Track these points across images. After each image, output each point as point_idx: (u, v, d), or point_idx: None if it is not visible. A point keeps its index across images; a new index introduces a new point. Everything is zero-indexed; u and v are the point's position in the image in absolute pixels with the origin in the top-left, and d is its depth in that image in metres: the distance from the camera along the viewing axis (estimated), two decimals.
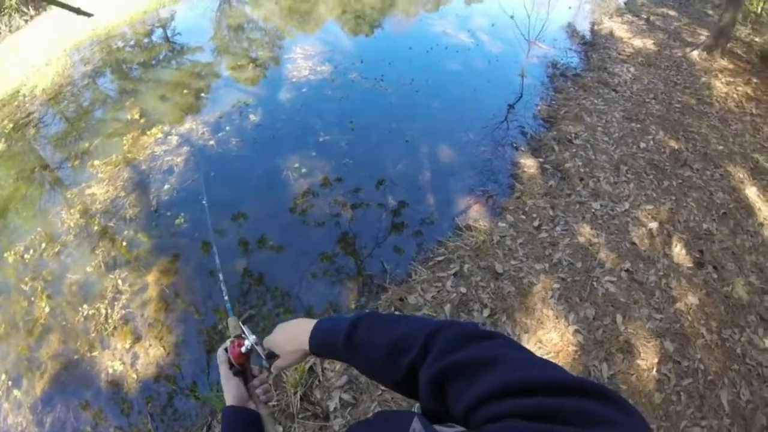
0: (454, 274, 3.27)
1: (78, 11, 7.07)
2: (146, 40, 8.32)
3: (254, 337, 0.97)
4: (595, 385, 0.47)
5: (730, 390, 2.81)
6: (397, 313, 3.00)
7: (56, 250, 4.05)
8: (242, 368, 0.97)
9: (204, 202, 3.83)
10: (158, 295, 3.50)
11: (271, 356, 0.92)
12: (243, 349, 0.96)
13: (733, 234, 3.80)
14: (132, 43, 8.33)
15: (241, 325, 1.05)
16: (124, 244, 3.95)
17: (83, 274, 3.77)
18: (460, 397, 0.54)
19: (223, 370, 0.97)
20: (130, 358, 3.15)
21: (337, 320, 0.80)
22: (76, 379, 3.11)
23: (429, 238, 3.74)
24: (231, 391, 0.95)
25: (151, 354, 3.14)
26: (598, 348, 2.93)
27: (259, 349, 0.93)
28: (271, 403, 1.07)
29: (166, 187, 4.46)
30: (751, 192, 4.24)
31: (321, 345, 0.81)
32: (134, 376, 3.04)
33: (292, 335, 0.86)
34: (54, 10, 10.39)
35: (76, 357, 3.22)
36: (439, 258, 3.43)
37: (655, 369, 2.87)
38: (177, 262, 3.74)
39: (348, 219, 3.98)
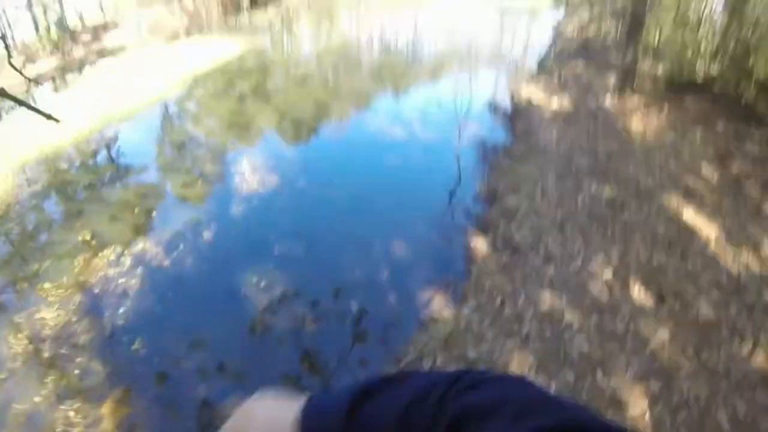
0: (429, 369, 3.56)
1: (48, 116, 7.54)
2: (91, 162, 8.66)
3: None
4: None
5: (726, 409, 3.11)
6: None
7: (2, 377, 3.97)
8: None
9: None
10: (114, 428, 3.47)
11: None
12: None
13: (683, 260, 4.30)
14: (77, 164, 8.66)
15: None
16: (77, 372, 3.92)
17: (31, 404, 3.69)
18: None
19: None
20: None
21: (334, 396, 0.68)
22: None
23: (397, 338, 4.02)
24: None
25: None
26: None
27: None
28: None
29: (121, 311, 4.57)
30: (689, 215, 4.83)
31: (316, 430, 0.68)
32: None
33: (272, 418, 0.70)
34: (1, 127, 10.74)
35: None
36: (410, 357, 3.72)
37: (647, 414, 3.14)
38: (134, 391, 3.76)
39: (310, 334, 4.22)
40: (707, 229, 4.65)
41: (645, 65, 9.05)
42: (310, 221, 5.91)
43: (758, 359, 3.43)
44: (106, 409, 3.64)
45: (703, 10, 8.48)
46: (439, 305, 4.31)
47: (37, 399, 3.79)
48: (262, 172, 7.27)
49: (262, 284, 4.83)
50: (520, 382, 0.57)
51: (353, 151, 8.03)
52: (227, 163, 8.05)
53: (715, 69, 7.60)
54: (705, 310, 3.81)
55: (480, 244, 4.96)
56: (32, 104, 8.52)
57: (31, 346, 4.30)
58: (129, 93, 11.49)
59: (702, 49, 7.82)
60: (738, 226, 4.66)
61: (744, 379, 3.29)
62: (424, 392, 0.59)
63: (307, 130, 9.44)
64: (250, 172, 7.33)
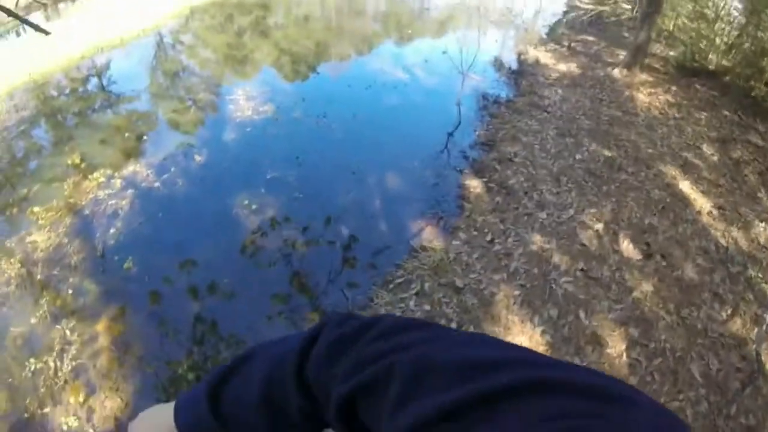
0: (416, 294, 3.50)
1: (36, 28, 7.19)
2: (81, 89, 8.45)
3: None
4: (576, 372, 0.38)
5: (700, 362, 3.14)
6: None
7: None
8: None
9: None
10: (110, 344, 3.49)
11: None
12: None
13: (674, 225, 4.28)
14: (67, 91, 8.45)
15: None
16: (70, 292, 3.93)
17: (28, 327, 3.71)
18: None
19: None
20: (85, 412, 3.09)
21: (194, 396, 0.63)
22: None
23: (386, 262, 3.98)
24: None
25: (107, 406, 3.09)
26: (567, 344, 3.20)
27: None
28: None
29: (112, 231, 4.51)
30: (685, 186, 4.81)
31: (194, 429, 0.63)
32: (91, 431, 2.99)
33: (155, 427, 0.67)
34: None
35: (25, 416, 3.12)
36: (399, 280, 3.66)
37: (624, 355, 3.16)
38: (128, 308, 3.77)
39: (300, 257, 4.17)
40: (701, 201, 4.64)
41: (657, 47, 8.93)
42: (304, 150, 5.76)
43: (735, 324, 3.45)
44: (101, 326, 3.65)
45: (722, 7, 8.36)
46: (430, 236, 4.24)
47: (33, 320, 3.79)
48: (257, 102, 7.06)
49: (254, 207, 4.76)
50: (384, 325, 0.51)
51: (352, 87, 7.80)
52: (221, 93, 7.83)
53: (727, 61, 7.52)
54: (690, 272, 3.82)
55: (474, 185, 4.86)
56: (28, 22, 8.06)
57: (23, 270, 4.26)
58: (122, 22, 11.01)
59: (717, 42, 7.71)
60: (732, 204, 4.66)
61: (719, 339, 3.32)
62: (278, 364, 0.55)
63: (306, 66, 9.18)
64: (245, 101, 7.11)
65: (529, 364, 0.38)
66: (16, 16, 7.70)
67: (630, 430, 0.30)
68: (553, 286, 3.58)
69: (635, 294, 3.56)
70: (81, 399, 3.18)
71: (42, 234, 4.59)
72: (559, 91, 7.02)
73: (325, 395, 0.50)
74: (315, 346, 0.53)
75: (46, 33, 7.48)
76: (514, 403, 0.34)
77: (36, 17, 11.85)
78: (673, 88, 7.06)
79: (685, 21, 8.85)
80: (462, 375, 0.38)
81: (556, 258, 3.84)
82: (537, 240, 4.02)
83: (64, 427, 3.05)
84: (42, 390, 3.26)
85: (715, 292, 3.66)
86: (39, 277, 4.15)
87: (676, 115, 6.28)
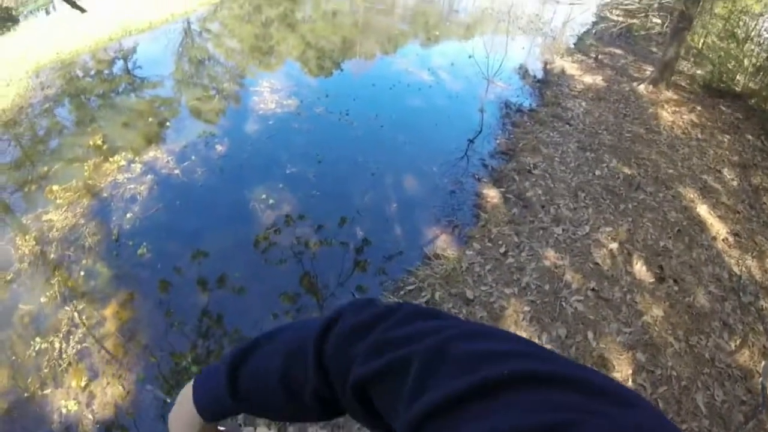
0: (426, 302, 3.50)
1: (73, 4, 7.27)
2: (107, 71, 8.50)
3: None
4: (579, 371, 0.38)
5: (705, 393, 3.11)
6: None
7: (8, 278, 3.94)
8: None
9: None
10: (117, 329, 3.49)
11: None
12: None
13: (689, 249, 4.24)
14: (93, 72, 8.50)
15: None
16: (82, 274, 3.92)
17: (36, 305, 3.70)
18: (391, 422, 0.45)
19: None
20: (86, 397, 3.09)
21: (213, 371, 0.65)
22: (27, 420, 3.02)
23: (398, 268, 3.99)
24: None
25: (108, 393, 3.10)
26: None
27: None
28: None
29: (128, 215, 4.52)
30: (702, 210, 4.75)
31: (213, 413, 0.65)
32: (89, 417, 2.97)
33: (185, 420, 0.68)
34: (18, 30, 10.53)
35: (26, 395, 3.11)
36: (410, 287, 3.67)
37: (630, 380, 3.14)
38: (137, 295, 3.78)
39: (312, 256, 4.18)
40: (718, 226, 4.58)
41: (685, 64, 8.79)
42: (324, 147, 5.77)
43: (743, 356, 3.42)
44: (109, 311, 3.65)
45: (753, 27, 8.20)
46: (444, 244, 4.24)
47: (42, 299, 3.78)
48: (281, 95, 7.07)
49: (270, 202, 4.77)
50: (404, 312, 0.52)
51: (376, 87, 7.78)
52: (245, 83, 7.85)
53: (754, 84, 7.38)
54: (701, 299, 3.78)
55: (492, 194, 4.85)
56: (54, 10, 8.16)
57: (37, 248, 4.24)
58: (152, 6, 11.04)
59: (745, 63, 7.56)
60: (748, 232, 4.60)
61: (726, 370, 3.29)
62: (298, 345, 0.56)
63: (331, 62, 9.19)
64: (269, 94, 7.12)
65: (534, 357, 0.40)
66: None
67: (625, 429, 0.31)
68: (564, 304, 3.57)
69: (645, 318, 3.53)
70: (83, 383, 3.17)
71: (59, 213, 4.59)
72: (583, 103, 6.95)
73: (341, 377, 0.51)
74: (335, 328, 0.54)
75: (83, 10, 7.57)
76: (516, 393, 0.35)
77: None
78: (698, 108, 6.96)
79: (715, 39, 8.71)
80: (471, 365, 0.40)
81: (569, 275, 3.82)
82: (551, 256, 4.01)
83: (63, 410, 3.04)
84: (45, 371, 3.25)
85: (725, 322, 3.63)
86: (52, 256, 4.13)
87: (699, 136, 6.19)
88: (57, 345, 3.41)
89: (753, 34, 8.14)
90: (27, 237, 4.34)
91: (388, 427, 0.47)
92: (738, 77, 7.54)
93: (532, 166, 5.24)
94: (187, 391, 0.67)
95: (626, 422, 0.32)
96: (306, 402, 0.56)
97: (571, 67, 8.57)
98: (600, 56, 9.25)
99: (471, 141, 5.98)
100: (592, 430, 0.30)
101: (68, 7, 8.25)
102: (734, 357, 3.39)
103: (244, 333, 3.54)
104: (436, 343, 0.44)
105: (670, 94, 7.37)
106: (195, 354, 3.37)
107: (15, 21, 11.44)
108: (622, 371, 3.18)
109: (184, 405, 0.67)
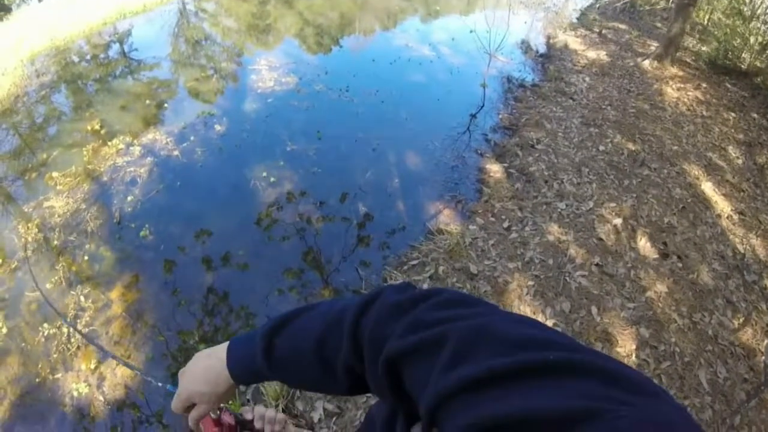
0: (430, 277, 3.44)
1: None
2: (102, 55, 8.35)
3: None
4: (597, 358, 0.39)
5: (708, 369, 3.06)
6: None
7: (13, 266, 3.93)
8: (232, 427, 0.85)
9: None
10: (123, 311, 3.47)
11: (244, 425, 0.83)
12: (212, 415, 0.81)
13: (693, 226, 4.16)
14: (88, 57, 8.35)
15: None
16: (86, 258, 3.90)
17: (43, 291, 3.69)
18: (419, 394, 0.44)
19: None
20: (96, 379, 3.09)
21: (251, 336, 0.67)
22: (39, 405, 3.03)
23: (401, 243, 3.91)
24: None
25: (118, 374, 3.09)
26: (577, 339, 3.11)
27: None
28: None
29: (129, 198, 4.47)
30: (707, 187, 4.66)
31: (245, 372, 0.68)
32: (101, 398, 2.99)
33: (210, 377, 0.70)
34: (10, 19, 10.29)
35: (37, 380, 3.12)
36: (414, 262, 3.60)
37: (634, 355, 3.09)
38: (142, 276, 3.74)
39: (315, 232, 4.11)
40: (722, 204, 4.49)
41: (690, 40, 8.59)
42: (325, 124, 5.65)
43: (746, 334, 3.36)
44: (115, 293, 3.62)
45: (759, 5, 7.97)
46: (447, 219, 4.16)
47: (48, 285, 3.75)
48: (279, 73, 6.91)
49: (271, 180, 4.68)
50: (440, 298, 0.53)
51: (376, 63, 7.58)
52: (243, 62, 7.69)
53: (760, 62, 7.21)
54: (705, 276, 3.71)
55: (494, 169, 4.74)
56: None
57: (40, 235, 4.21)
58: None
59: (751, 41, 7.36)
60: (753, 210, 4.52)
61: (729, 347, 3.24)
62: (337, 317, 0.58)
63: (330, 39, 8.97)
64: (267, 72, 6.96)
65: (574, 348, 0.41)
66: None
67: (657, 421, 0.32)
68: (567, 279, 3.50)
69: (649, 294, 3.47)
70: (92, 366, 3.17)
71: (60, 199, 4.55)
72: (587, 78, 6.79)
73: (374, 351, 0.52)
74: (374, 304, 0.56)
75: None
76: (558, 378, 0.37)
77: None
78: (704, 84, 6.80)
79: (721, 16, 8.49)
80: (514, 346, 0.41)
81: (572, 250, 3.75)
82: (554, 230, 3.93)
83: (75, 393, 3.05)
84: (54, 356, 3.25)
85: (729, 299, 3.57)
86: (55, 242, 4.10)
87: (704, 113, 6.05)
88: (65, 330, 3.38)
89: (759, 12, 7.92)
90: (29, 225, 4.31)
91: (408, 406, 0.49)
92: (744, 55, 7.35)
93: (535, 141, 5.12)
94: (219, 353, 0.70)
95: (650, 411, 0.33)
96: (337, 373, 0.58)
97: (574, 42, 8.36)
98: (604, 31, 9.02)
99: (473, 116, 5.84)
100: (621, 418, 0.32)
101: None
102: (737, 335, 3.34)
103: (251, 309, 3.50)
104: (476, 324, 0.45)
105: (674, 70, 7.20)
106: (202, 332, 3.34)
107: (7, 10, 11.14)
108: (626, 346, 3.13)
109: (210, 363, 0.70)
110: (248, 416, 0.87)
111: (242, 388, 2.88)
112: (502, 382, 0.37)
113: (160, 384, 1.00)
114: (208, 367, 0.70)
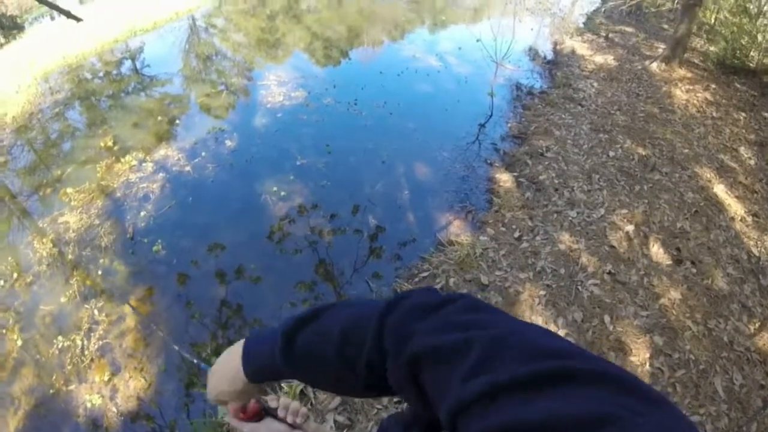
0: (441, 288, 3.43)
1: (68, 14, 7.26)
2: (115, 72, 8.53)
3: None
4: (620, 374, 0.40)
5: (723, 377, 3.01)
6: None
7: (28, 280, 4.01)
8: (258, 413, 0.88)
9: None
10: (136, 325, 3.52)
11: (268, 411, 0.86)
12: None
13: (706, 230, 4.10)
14: (101, 74, 8.53)
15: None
16: (100, 273, 3.97)
17: (57, 305, 3.75)
18: (440, 398, 0.45)
19: (246, 429, 0.86)
20: (109, 391, 3.13)
21: (267, 335, 0.67)
22: (53, 416, 3.07)
23: (412, 255, 3.92)
24: None
25: (131, 386, 3.13)
26: (590, 348, 3.10)
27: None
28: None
29: (142, 214, 4.54)
30: (719, 190, 4.59)
31: (259, 370, 0.68)
32: (114, 409, 3.02)
33: (229, 375, 0.71)
34: (24, 38, 10.60)
35: (51, 392, 3.17)
36: (424, 273, 3.60)
37: (648, 363, 3.05)
38: (155, 290, 3.79)
39: (326, 245, 4.13)
40: (735, 207, 4.43)
41: (697, 41, 8.50)
42: (334, 137, 5.70)
43: (762, 339, 3.30)
44: (128, 307, 3.66)
45: (765, 3, 7.85)
46: (457, 230, 4.16)
47: (62, 299, 3.81)
48: (288, 88, 6.99)
49: (282, 194, 4.72)
50: (466, 301, 0.54)
51: (384, 74, 7.63)
52: (253, 77, 7.79)
53: None
54: (720, 281, 3.65)
55: (504, 179, 4.74)
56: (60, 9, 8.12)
57: (55, 250, 4.29)
58: (156, 5, 11.01)
59: (759, 39, 7.26)
60: (766, 212, 4.44)
61: (745, 354, 3.18)
62: (360, 317, 0.58)
63: (338, 52, 9.06)
64: (276, 87, 7.04)
65: (592, 358, 0.42)
66: (47, 3, 7.68)
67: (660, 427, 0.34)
68: (580, 288, 3.48)
69: (662, 301, 3.43)
70: (106, 378, 3.21)
71: (74, 215, 4.63)
72: (595, 84, 6.75)
73: (398, 350, 0.52)
74: (400, 305, 0.56)
75: (78, 20, 7.49)
76: (577, 385, 0.38)
77: (69, 2, 11.96)
78: (713, 85, 6.72)
79: (727, 15, 8.38)
80: (537, 355, 0.42)
81: (584, 259, 3.72)
82: (565, 239, 3.90)
83: (88, 405, 3.08)
84: (68, 367, 3.30)
85: (744, 304, 3.51)
86: (70, 257, 4.17)
87: (714, 114, 5.98)
88: (79, 342, 3.44)
89: (766, 8, 7.80)
90: (44, 240, 4.40)
91: (428, 409, 0.49)
92: (752, 53, 7.25)
93: (544, 149, 5.10)
94: (236, 349, 0.70)
95: (665, 425, 0.35)
96: (356, 370, 0.57)
97: (581, 47, 8.33)
98: (610, 35, 8.97)
99: (482, 125, 5.84)
100: (639, 426, 0.33)
101: (74, 12, 8.18)
102: (753, 340, 3.28)
103: (264, 322, 3.53)
104: (501, 332, 0.46)
105: (683, 71, 7.13)
106: (216, 344, 3.36)
107: (20, 29, 11.45)
108: (639, 355, 3.09)
109: (230, 362, 0.70)
110: (273, 404, 0.89)
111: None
112: (525, 390, 0.38)
113: (195, 361, 1.05)
114: (227, 365, 0.71)
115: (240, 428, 0.85)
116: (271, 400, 0.89)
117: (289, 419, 0.88)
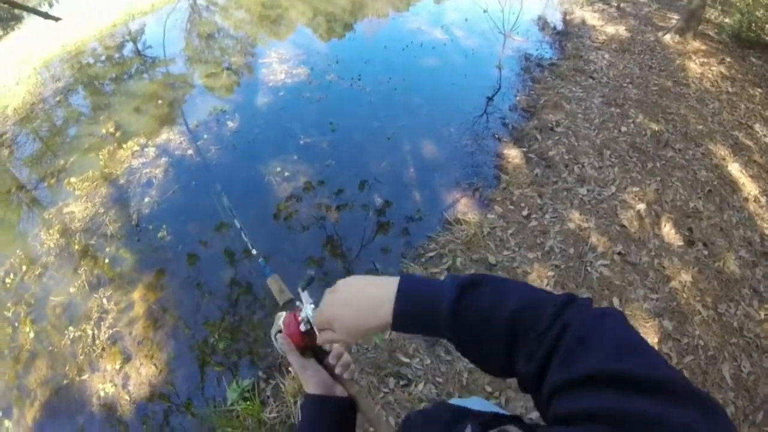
0: (447, 269, 3.31)
1: (46, 15, 6.99)
2: (117, 55, 8.31)
3: (312, 305, 0.80)
4: (679, 381, 0.43)
5: (731, 363, 2.89)
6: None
7: (37, 272, 3.99)
8: (311, 348, 0.83)
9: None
10: (145, 312, 3.46)
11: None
12: (303, 327, 0.80)
13: (719, 210, 3.93)
14: (103, 58, 8.32)
15: (286, 288, 1.00)
16: (107, 261, 3.91)
17: (67, 296, 3.72)
18: (548, 380, 0.50)
19: (293, 359, 0.83)
20: (121, 378, 3.11)
21: (432, 284, 0.62)
22: (68, 405, 3.07)
23: (418, 234, 3.77)
24: (311, 379, 0.82)
25: (142, 373, 3.10)
26: None
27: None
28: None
29: (146, 200, 4.43)
30: (734, 168, 4.39)
31: (412, 317, 0.62)
32: (127, 397, 3.00)
33: (363, 304, 0.65)
34: (22, 29, 10.32)
35: (65, 382, 3.17)
36: (431, 253, 3.47)
37: (657, 349, 2.93)
38: (162, 276, 3.72)
39: (333, 221, 4.00)
40: (750, 186, 4.23)
41: (712, 12, 8.09)
42: (338, 114, 5.47)
43: None
44: (137, 294, 3.61)
45: None
46: (464, 208, 4.00)
47: (72, 289, 3.77)
48: (291, 65, 6.71)
49: (286, 174, 4.56)
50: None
51: (388, 49, 7.29)
52: (255, 54, 7.52)
53: None
54: (731, 264, 3.50)
55: (513, 154, 4.54)
56: (36, 7, 7.82)
57: (62, 240, 4.24)
58: None
59: None
60: None
61: (755, 340, 3.06)
62: (535, 298, 0.58)
63: (341, 26, 8.72)
64: (278, 64, 6.77)
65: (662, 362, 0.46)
66: (20, 6, 7.40)
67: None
68: (589, 268, 3.34)
69: (673, 284, 3.29)
70: (117, 366, 3.18)
71: (79, 204, 4.55)
72: (606, 55, 6.44)
73: (571, 347, 0.51)
74: (576, 304, 0.56)
75: (57, 19, 7.20)
76: (653, 391, 0.42)
77: None
78: (728, 59, 6.40)
79: None
80: (622, 351, 0.47)
81: (594, 238, 3.57)
82: (575, 218, 3.74)
83: (101, 393, 3.06)
84: (80, 357, 3.28)
85: (756, 289, 3.36)
86: (77, 247, 4.12)
87: (730, 89, 5.70)
88: (90, 332, 3.40)
89: None
90: (51, 231, 4.34)
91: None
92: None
93: (554, 123, 4.88)
94: (385, 283, 0.64)
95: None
96: (517, 348, 0.55)
97: (591, 17, 7.94)
98: (622, 4, 8.55)
99: (489, 99, 5.59)
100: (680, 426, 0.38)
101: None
102: (763, 326, 3.15)
103: (273, 299, 3.40)
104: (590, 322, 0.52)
105: (697, 44, 6.78)
106: (227, 323, 3.29)
107: (18, 19, 11.09)
108: (648, 340, 2.96)
109: (376, 294, 0.64)
110: (326, 347, 0.86)
111: (262, 384, 2.82)
112: (602, 384, 0.44)
113: (260, 260, 1.13)
114: (369, 294, 0.65)
115: (288, 356, 0.84)
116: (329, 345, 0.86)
117: (338, 370, 0.84)
